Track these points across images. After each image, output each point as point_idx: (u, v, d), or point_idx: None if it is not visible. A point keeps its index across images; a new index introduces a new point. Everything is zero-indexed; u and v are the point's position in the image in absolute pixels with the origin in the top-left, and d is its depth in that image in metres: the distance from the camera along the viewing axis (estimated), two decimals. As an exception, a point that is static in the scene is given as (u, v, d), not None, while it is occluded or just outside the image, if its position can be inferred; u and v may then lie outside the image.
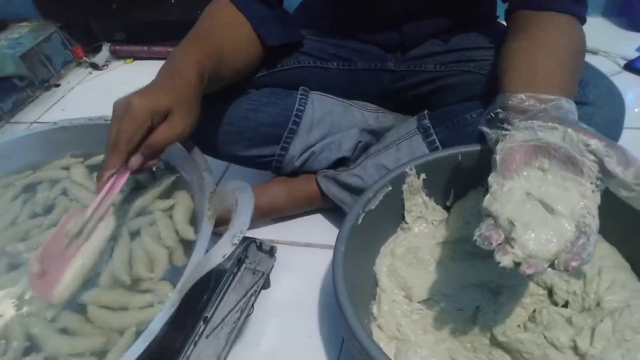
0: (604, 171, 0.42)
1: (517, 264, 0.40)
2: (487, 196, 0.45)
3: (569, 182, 0.44)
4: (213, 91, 0.66)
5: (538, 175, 0.45)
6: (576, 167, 0.44)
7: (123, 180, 0.51)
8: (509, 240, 0.41)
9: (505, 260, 0.40)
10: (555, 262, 0.40)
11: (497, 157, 0.47)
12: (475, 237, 0.43)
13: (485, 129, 0.53)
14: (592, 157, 0.43)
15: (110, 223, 0.51)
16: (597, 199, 0.43)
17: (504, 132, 0.50)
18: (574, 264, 0.39)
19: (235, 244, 0.41)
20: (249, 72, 0.73)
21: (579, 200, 0.42)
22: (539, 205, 0.43)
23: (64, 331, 0.47)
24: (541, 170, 0.45)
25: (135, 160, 0.50)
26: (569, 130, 0.44)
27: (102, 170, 0.50)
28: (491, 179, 0.47)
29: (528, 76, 0.53)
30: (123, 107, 0.49)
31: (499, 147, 0.48)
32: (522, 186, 0.45)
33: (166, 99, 0.50)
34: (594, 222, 0.41)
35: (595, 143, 0.43)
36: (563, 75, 0.53)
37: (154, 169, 0.54)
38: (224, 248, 0.41)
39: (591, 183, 0.43)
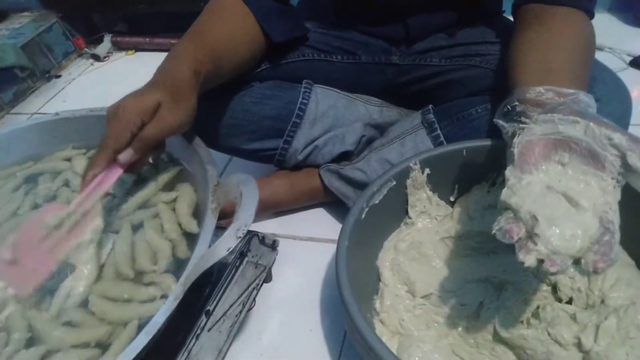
0: (626, 166, 0.42)
1: (540, 261, 0.39)
2: (505, 189, 0.44)
3: (590, 176, 0.43)
4: (215, 86, 0.66)
5: (557, 169, 0.44)
6: (597, 161, 0.43)
7: (113, 178, 0.51)
8: (531, 235, 0.40)
9: (529, 259, 0.39)
10: (582, 262, 0.39)
11: (515, 150, 0.46)
12: (494, 231, 0.42)
13: (501, 122, 0.53)
14: (615, 152, 0.42)
15: (97, 225, 0.51)
16: (617, 194, 0.42)
17: (521, 125, 0.49)
18: (601, 265, 0.38)
19: (240, 237, 0.40)
20: (249, 67, 0.73)
21: (600, 196, 0.42)
22: (561, 198, 0.42)
23: (67, 323, 0.47)
24: (561, 165, 0.44)
25: (124, 156, 0.50)
26: (591, 124, 0.43)
27: (87, 169, 0.50)
28: (508, 172, 0.46)
29: (542, 70, 0.53)
30: (112, 110, 0.51)
31: (516, 140, 0.47)
32: (542, 180, 0.44)
33: (154, 95, 0.51)
34: (616, 218, 0.41)
35: (618, 137, 0.42)
36: (576, 69, 0.53)
37: (150, 161, 0.54)
38: (229, 241, 0.40)
39: (612, 178, 0.42)
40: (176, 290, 0.40)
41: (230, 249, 0.40)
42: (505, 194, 0.43)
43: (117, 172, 0.51)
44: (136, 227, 0.54)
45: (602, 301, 0.51)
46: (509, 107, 0.52)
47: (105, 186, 0.51)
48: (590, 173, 0.43)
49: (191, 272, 0.40)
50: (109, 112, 0.51)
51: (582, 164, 0.43)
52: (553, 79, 0.50)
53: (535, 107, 0.49)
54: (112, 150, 0.49)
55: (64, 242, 0.49)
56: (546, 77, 0.51)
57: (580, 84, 0.51)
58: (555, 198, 0.42)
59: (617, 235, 0.39)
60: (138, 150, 0.50)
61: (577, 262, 0.39)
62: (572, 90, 0.48)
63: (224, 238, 0.41)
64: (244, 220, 0.41)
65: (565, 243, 0.39)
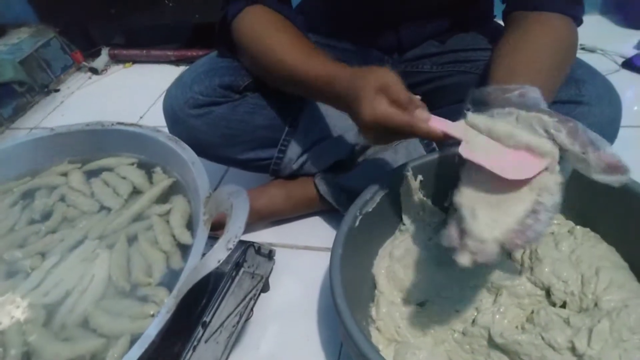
0: (559, 148, 0.44)
1: (474, 260, 0.40)
2: (456, 190, 0.46)
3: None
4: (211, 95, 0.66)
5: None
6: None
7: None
8: (462, 233, 0.42)
9: (462, 259, 0.40)
10: (506, 245, 0.40)
11: None
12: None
13: None
14: (544, 134, 0.44)
15: None
16: (555, 177, 0.44)
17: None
18: (517, 242, 0.39)
19: (230, 248, 0.41)
20: None
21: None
22: (497, 192, 0.44)
23: (63, 338, 0.47)
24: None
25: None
26: (521, 112, 0.46)
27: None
28: (461, 172, 0.48)
29: (506, 71, 0.54)
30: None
31: None
32: (483, 176, 0.45)
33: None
34: (551, 200, 0.42)
35: (546, 119, 0.44)
36: (543, 71, 0.54)
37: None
38: (219, 253, 0.41)
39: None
40: (168, 302, 0.41)
41: (221, 261, 0.41)
42: (455, 194, 0.46)
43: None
44: (130, 240, 0.55)
45: (596, 304, 0.51)
46: (465, 110, 0.53)
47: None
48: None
49: (183, 285, 0.41)
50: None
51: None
52: (512, 79, 0.51)
53: (487, 107, 0.50)
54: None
55: None
56: (507, 77, 0.52)
57: (540, 83, 0.51)
58: (490, 191, 0.44)
59: (545, 215, 0.41)
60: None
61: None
62: (516, 85, 0.49)
63: (214, 250, 0.41)
64: (234, 231, 0.41)
65: (486, 228, 0.40)
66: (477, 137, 0.48)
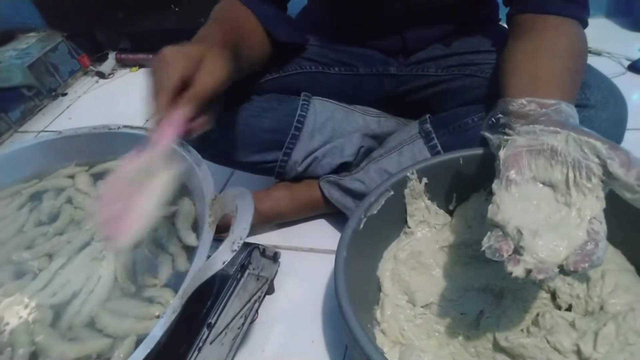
0: (608, 174, 0.42)
1: (528, 271, 0.40)
2: (491, 206, 0.45)
3: (573, 187, 0.44)
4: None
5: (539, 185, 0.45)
6: (579, 171, 0.44)
7: (176, 130, 0.48)
8: (517, 249, 0.41)
9: (517, 270, 0.40)
10: (564, 263, 0.40)
11: (500, 164, 0.47)
12: (484, 249, 0.43)
13: (487, 134, 0.53)
14: (596, 160, 0.43)
15: (172, 165, 0.48)
16: (602, 203, 0.43)
17: (505, 137, 0.50)
18: (583, 265, 0.39)
19: (235, 250, 0.41)
20: (260, 66, 0.73)
21: (585, 207, 0.43)
22: (545, 211, 0.43)
23: (70, 338, 0.47)
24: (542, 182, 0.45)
25: (185, 111, 0.47)
26: (572, 133, 0.44)
27: (153, 120, 0.48)
28: (495, 186, 0.47)
29: (530, 80, 0.53)
30: (155, 61, 0.49)
31: (501, 153, 0.48)
32: (526, 193, 0.45)
33: (195, 46, 0.50)
34: (601, 228, 0.41)
35: (599, 145, 0.43)
36: (565, 79, 0.53)
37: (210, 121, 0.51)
38: (224, 255, 0.41)
39: (595, 188, 0.43)
40: (174, 303, 0.41)
41: (226, 262, 0.41)
42: (491, 211, 0.45)
43: (179, 126, 0.48)
44: (136, 242, 0.55)
45: (601, 307, 0.50)
46: (493, 119, 0.52)
47: (169, 136, 0.47)
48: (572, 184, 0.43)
49: (188, 286, 0.41)
50: (152, 66, 0.49)
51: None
52: (538, 89, 0.51)
53: (519, 119, 0.50)
54: (168, 93, 0.47)
55: (144, 193, 0.47)
56: (532, 87, 0.52)
57: (567, 93, 0.51)
58: (540, 211, 0.43)
59: (603, 243, 0.40)
60: (194, 103, 0.48)
61: (563, 271, 0.40)
62: (553, 101, 0.49)
63: (219, 252, 0.41)
64: (239, 233, 0.42)
65: (550, 252, 0.40)
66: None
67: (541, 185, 0.45)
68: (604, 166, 0.42)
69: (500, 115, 0.52)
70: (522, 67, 0.55)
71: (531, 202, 0.44)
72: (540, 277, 0.39)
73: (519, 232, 0.42)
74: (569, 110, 0.49)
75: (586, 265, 0.39)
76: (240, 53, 0.60)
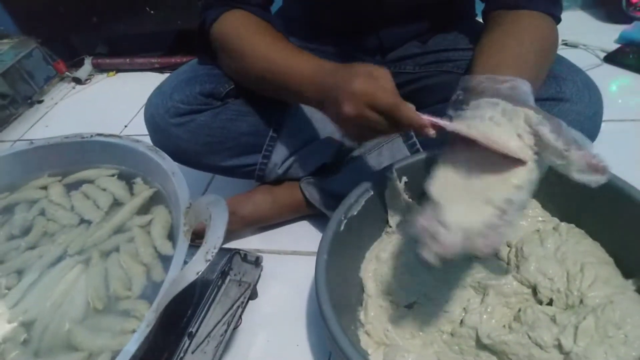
0: (540, 143, 0.44)
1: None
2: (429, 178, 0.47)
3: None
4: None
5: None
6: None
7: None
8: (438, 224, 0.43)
9: (426, 254, 0.42)
10: (469, 245, 0.41)
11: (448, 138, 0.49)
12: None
13: (450, 112, 0.54)
14: (529, 129, 0.45)
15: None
16: (535, 173, 0.44)
17: (458, 112, 0.51)
18: (486, 251, 0.40)
19: (209, 260, 0.40)
20: None
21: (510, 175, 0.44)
22: (470, 184, 0.45)
23: (44, 355, 0.46)
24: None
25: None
26: (509, 105, 0.46)
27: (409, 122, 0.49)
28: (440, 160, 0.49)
29: (495, 62, 0.54)
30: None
31: None
32: (460, 163, 0.47)
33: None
34: (519, 196, 0.43)
35: (531, 114, 0.44)
36: (529, 61, 0.54)
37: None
38: (198, 265, 0.40)
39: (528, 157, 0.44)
40: (148, 317, 0.40)
41: (200, 273, 0.40)
42: (428, 182, 0.47)
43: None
44: (112, 253, 0.54)
45: (581, 301, 0.51)
46: (455, 96, 0.53)
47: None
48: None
49: (162, 298, 0.40)
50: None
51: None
52: (499, 68, 0.52)
53: (475, 95, 0.50)
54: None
55: None
56: (494, 67, 0.52)
57: (528, 74, 0.52)
58: (464, 183, 0.45)
59: (511, 216, 0.42)
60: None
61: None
62: (508, 77, 0.49)
63: (193, 262, 0.40)
64: (213, 242, 0.41)
65: (461, 219, 0.41)
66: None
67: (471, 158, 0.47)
68: (535, 135, 0.44)
69: (460, 92, 0.53)
70: (488, 52, 0.56)
71: (461, 173, 0.46)
72: (442, 250, 0.41)
73: (438, 204, 0.44)
74: (524, 88, 0.49)
75: (488, 251, 0.40)
76: None
